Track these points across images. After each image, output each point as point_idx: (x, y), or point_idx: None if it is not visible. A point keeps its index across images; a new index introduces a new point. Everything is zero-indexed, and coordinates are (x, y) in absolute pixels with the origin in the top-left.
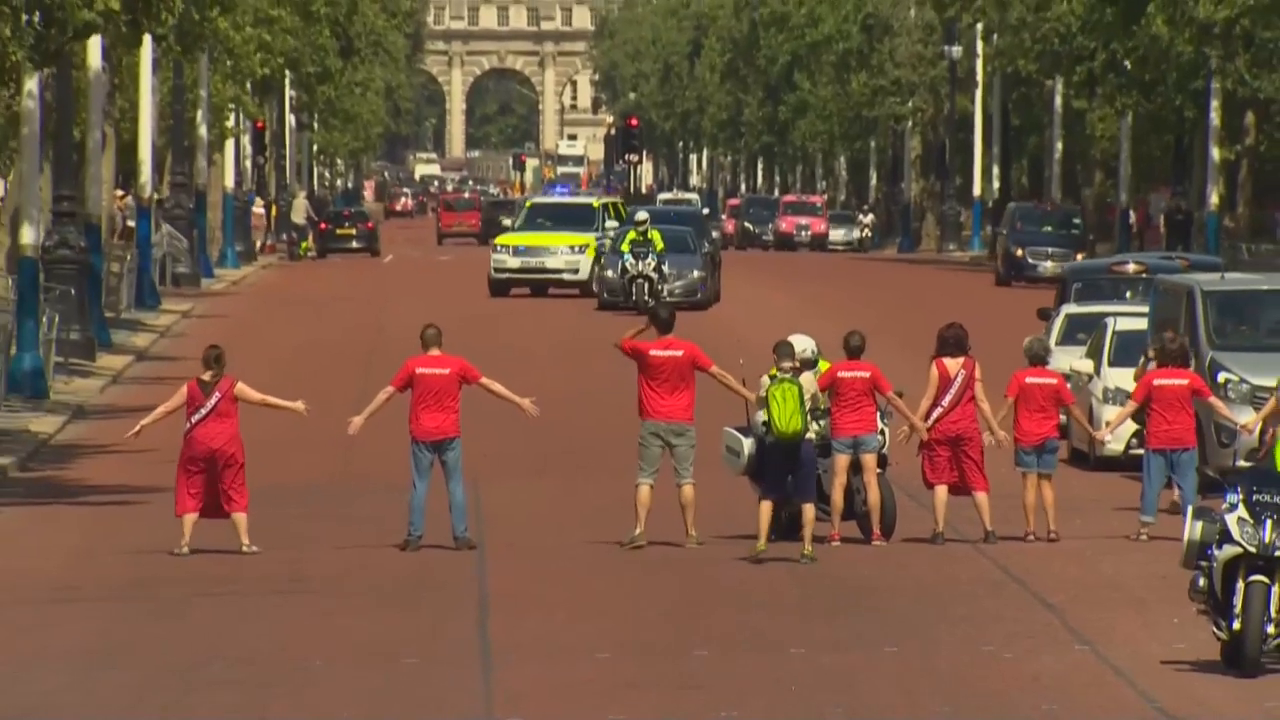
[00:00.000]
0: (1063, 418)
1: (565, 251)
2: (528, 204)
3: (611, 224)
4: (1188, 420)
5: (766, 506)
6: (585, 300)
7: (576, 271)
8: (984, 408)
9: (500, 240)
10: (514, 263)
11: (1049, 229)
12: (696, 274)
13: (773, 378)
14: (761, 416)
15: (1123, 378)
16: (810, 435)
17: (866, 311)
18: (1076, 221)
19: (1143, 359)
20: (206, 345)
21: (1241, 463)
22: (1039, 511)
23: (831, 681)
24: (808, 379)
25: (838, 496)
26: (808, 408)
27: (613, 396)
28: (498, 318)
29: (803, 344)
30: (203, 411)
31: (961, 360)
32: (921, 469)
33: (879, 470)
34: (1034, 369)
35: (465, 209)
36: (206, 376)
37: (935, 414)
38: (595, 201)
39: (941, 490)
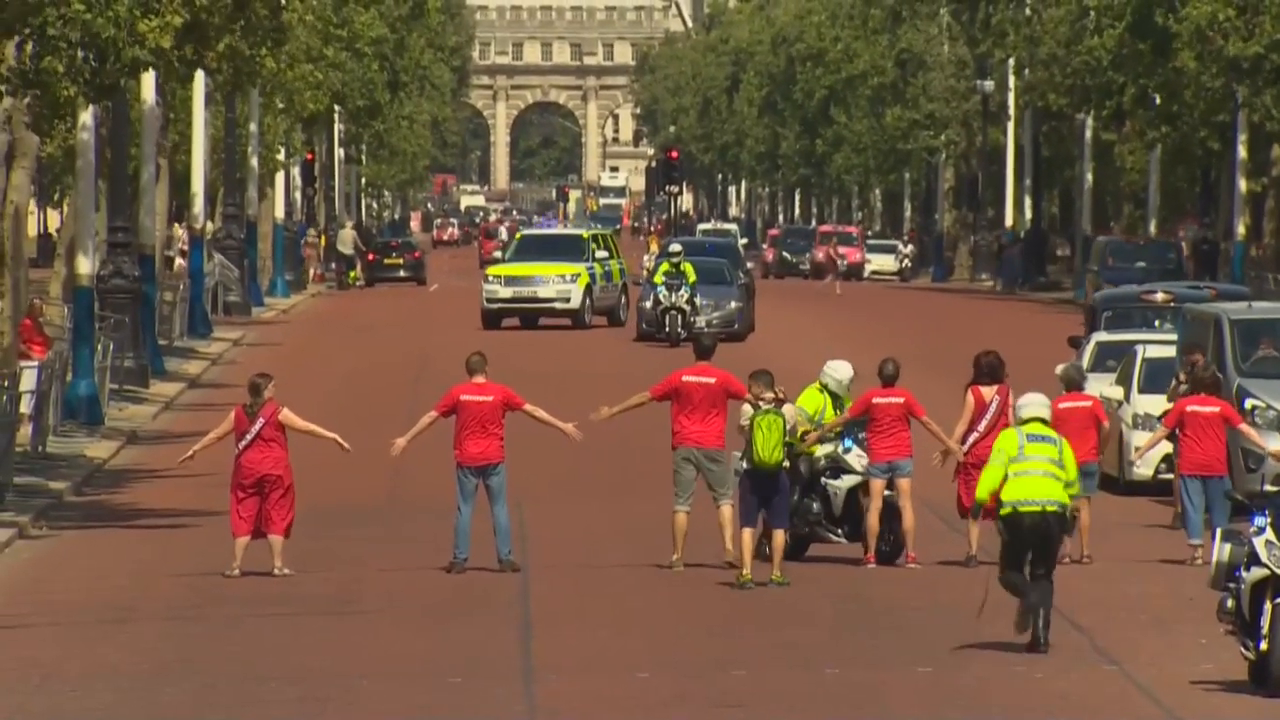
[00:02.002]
0: None
1: (557, 281)
2: (518, 236)
3: (602, 254)
4: (1219, 447)
5: (748, 534)
6: (624, 330)
7: (568, 301)
8: None
9: (492, 271)
10: (506, 293)
11: (1143, 264)
12: (733, 305)
13: (755, 407)
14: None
15: (1152, 404)
16: (785, 464)
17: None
18: (1171, 255)
19: (1174, 382)
20: (254, 373)
21: (1269, 487)
22: (1074, 534)
23: (865, 699)
24: (789, 410)
25: (873, 519)
26: (815, 434)
27: (652, 422)
28: (536, 345)
29: (844, 370)
30: (249, 437)
31: (996, 387)
32: (957, 494)
33: (888, 491)
34: (1070, 394)
35: None
36: (250, 403)
37: (971, 438)
38: (585, 233)
39: None
